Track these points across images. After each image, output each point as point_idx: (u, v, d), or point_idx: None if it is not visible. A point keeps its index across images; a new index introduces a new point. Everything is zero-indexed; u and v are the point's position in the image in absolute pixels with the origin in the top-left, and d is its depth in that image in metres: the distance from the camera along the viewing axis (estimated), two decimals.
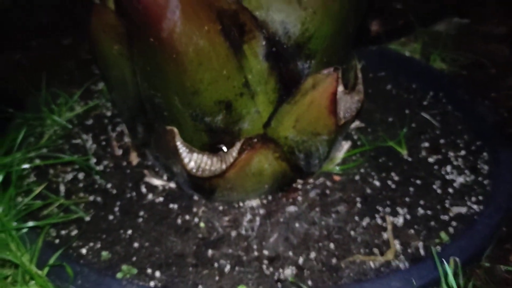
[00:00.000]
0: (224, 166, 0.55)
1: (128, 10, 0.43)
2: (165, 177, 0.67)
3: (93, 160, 0.70)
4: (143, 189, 0.65)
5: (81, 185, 0.66)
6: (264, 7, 0.47)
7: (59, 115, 0.77)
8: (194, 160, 0.56)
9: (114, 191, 0.65)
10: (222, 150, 0.55)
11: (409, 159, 0.69)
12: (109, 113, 0.80)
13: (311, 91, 0.52)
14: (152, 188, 0.65)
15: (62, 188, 0.65)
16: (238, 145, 0.53)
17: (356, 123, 0.77)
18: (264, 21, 0.47)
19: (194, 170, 0.56)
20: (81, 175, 0.67)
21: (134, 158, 0.71)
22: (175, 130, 0.54)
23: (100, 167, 0.69)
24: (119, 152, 0.72)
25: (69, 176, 0.67)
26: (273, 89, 0.52)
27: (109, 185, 0.66)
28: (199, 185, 0.59)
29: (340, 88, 0.55)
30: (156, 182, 0.65)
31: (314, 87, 0.52)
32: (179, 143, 0.54)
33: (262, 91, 0.52)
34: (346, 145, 0.71)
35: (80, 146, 0.72)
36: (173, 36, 0.43)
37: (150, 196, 0.64)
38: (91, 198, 0.63)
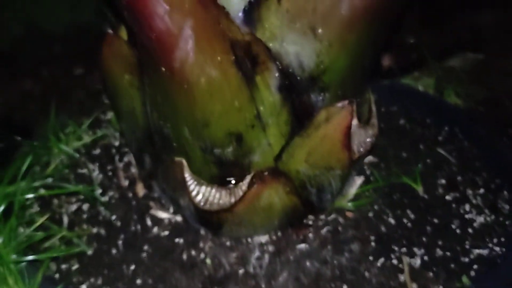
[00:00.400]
0: (233, 200, 0.53)
1: (140, 39, 0.43)
2: (171, 210, 0.65)
3: (99, 191, 0.68)
4: (149, 222, 0.63)
5: (85, 216, 0.64)
6: (279, 38, 0.46)
7: (66, 144, 0.76)
8: (202, 193, 0.54)
9: (119, 223, 0.63)
10: (231, 183, 0.54)
11: (425, 196, 0.67)
12: (117, 143, 0.79)
13: (324, 124, 0.51)
14: (157, 221, 0.63)
15: (65, 219, 0.63)
16: (248, 178, 0.52)
17: (369, 158, 0.75)
18: (278, 52, 0.47)
19: (201, 203, 0.54)
20: (85, 206, 0.66)
21: (141, 190, 0.69)
22: (184, 161, 0.53)
23: (105, 198, 0.67)
24: (125, 183, 0.70)
25: (74, 207, 0.66)
26: (285, 121, 0.51)
27: (113, 217, 0.64)
28: (207, 219, 0.57)
29: (354, 122, 0.53)
30: (162, 215, 0.63)
31: (327, 120, 0.51)
32: (187, 175, 0.53)
33: (274, 123, 0.51)
34: (359, 181, 0.70)
35: (86, 176, 0.71)
36: (185, 66, 0.43)
37: (155, 230, 0.62)
38: (95, 230, 0.62)
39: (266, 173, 0.52)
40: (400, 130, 0.83)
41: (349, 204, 0.66)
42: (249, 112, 0.49)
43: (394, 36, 1.06)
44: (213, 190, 0.54)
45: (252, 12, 0.46)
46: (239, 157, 0.52)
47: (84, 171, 0.72)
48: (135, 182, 0.70)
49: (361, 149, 0.57)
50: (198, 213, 0.57)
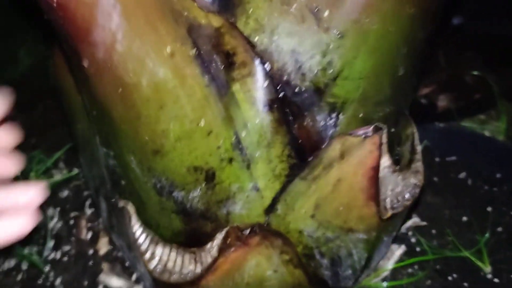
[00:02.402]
0: (199, 270, 0.38)
1: (47, 12, 0.30)
2: (134, 277, 0.50)
3: (50, 244, 0.55)
4: None
5: (19, 277, 0.50)
6: (267, 29, 0.33)
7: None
8: (158, 256, 0.39)
9: None
10: (200, 243, 0.39)
11: (495, 280, 0.49)
12: None
13: (338, 162, 0.36)
14: None
15: None
16: (219, 238, 0.36)
17: (415, 220, 0.58)
18: (266, 50, 0.33)
19: (158, 271, 0.39)
20: (24, 264, 0.52)
21: (103, 246, 0.55)
22: (131, 207, 0.38)
23: (55, 255, 0.54)
24: (87, 235, 0.57)
25: (10, 264, 0.52)
26: (280, 155, 0.36)
27: (57, 281, 0.50)
28: None
29: (386, 161, 0.38)
30: (117, 283, 0.48)
31: (343, 157, 0.36)
32: (136, 228, 0.39)
33: (262, 157, 0.36)
34: (398, 251, 0.52)
35: (39, 225, 0.58)
36: (113, 58, 0.29)
37: None
38: None
39: (248, 232, 0.37)
40: (460, 187, 0.65)
41: (384, 284, 0.49)
42: (224, 138, 0.35)
43: (451, 71, 0.90)
44: (173, 253, 0.39)
45: None
46: (211, 205, 0.38)
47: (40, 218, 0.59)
48: (98, 235, 0.56)
49: (397, 205, 0.40)
50: (157, 284, 0.41)
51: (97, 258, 0.54)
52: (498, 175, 0.66)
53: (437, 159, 0.72)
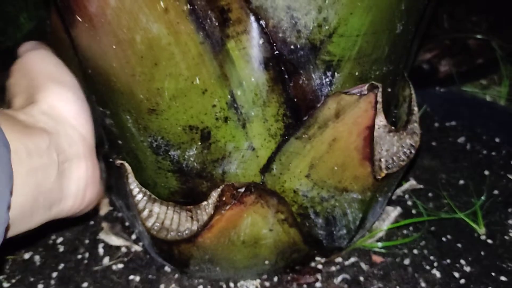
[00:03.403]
0: (195, 227, 0.38)
1: None
2: (134, 236, 0.51)
3: None
4: (100, 250, 0.49)
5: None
6: None
7: None
8: (155, 214, 0.40)
9: (62, 249, 0.50)
10: (196, 201, 0.39)
11: (489, 241, 0.50)
12: None
13: (333, 121, 0.36)
14: (112, 249, 0.50)
15: None
16: (214, 196, 0.37)
17: (411, 183, 0.58)
18: (261, 6, 0.33)
19: (155, 229, 0.40)
20: None
21: (104, 206, 0.56)
22: (127, 167, 0.39)
23: None
24: None
25: None
26: (275, 114, 0.36)
27: (59, 240, 0.51)
28: (166, 251, 0.43)
29: (381, 120, 0.38)
30: (117, 241, 0.49)
31: (338, 116, 0.36)
32: (133, 187, 0.39)
33: (258, 116, 0.36)
34: (393, 213, 0.53)
35: None
36: (107, 13, 0.29)
37: (106, 261, 0.48)
38: (27, 255, 0.49)
39: (244, 190, 0.37)
40: (458, 150, 0.65)
41: (379, 244, 0.50)
42: (219, 96, 0.35)
43: (453, 33, 0.89)
44: (170, 211, 0.39)
45: None
46: (207, 164, 0.38)
47: None
48: None
49: (392, 166, 0.40)
50: (155, 242, 0.42)
51: (97, 218, 0.55)
52: (497, 139, 0.66)
53: (436, 124, 0.72)
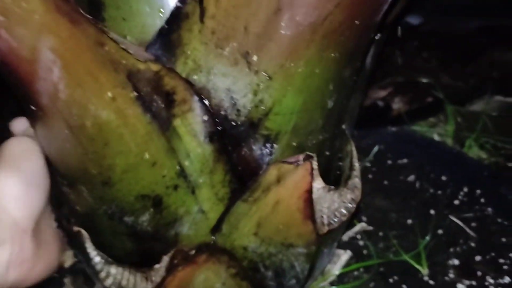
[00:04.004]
0: (149, 287, 0.41)
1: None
2: None
3: None
4: None
5: None
6: (204, 69, 0.35)
7: None
8: (113, 275, 0.42)
9: None
10: (152, 262, 0.42)
11: (431, 282, 0.53)
12: None
13: (275, 186, 0.39)
14: None
15: None
16: (165, 260, 0.39)
17: (362, 225, 0.61)
18: (203, 87, 0.36)
19: None
20: None
21: (69, 258, 0.57)
22: (84, 233, 0.41)
23: None
24: None
25: None
26: (222, 181, 0.39)
27: None
28: None
29: (319, 184, 0.41)
30: None
31: (279, 181, 0.39)
32: (90, 251, 0.41)
33: (206, 183, 0.39)
34: (344, 256, 0.56)
35: None
36: (58, 104, 0.32)
37: None
38: None
39: (194, 252, 0.40)
40: (408, 189, 0.69)
41: None
42: (168, 168, 0.37)
43: (405, 75, 0.94)
44: (126, 272, 0.42)
45: (170, 35, 0.35)
46: (160, 228, 0.40)
47: None
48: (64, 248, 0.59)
49: (334, 221, 0.44)
50: None
51: (62, 270, 0.56)
52: (443, 178, 0.70)
53: (389, 162, 0.76)
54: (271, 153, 0.38)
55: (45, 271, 0.41)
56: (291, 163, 0.38)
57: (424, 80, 0.83)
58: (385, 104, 0.91)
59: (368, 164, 0.74)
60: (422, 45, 1.03)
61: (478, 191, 0.66)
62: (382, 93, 0.93)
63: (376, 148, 0.77)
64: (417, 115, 0.85)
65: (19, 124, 0.41)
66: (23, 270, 0.37)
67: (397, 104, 0.90)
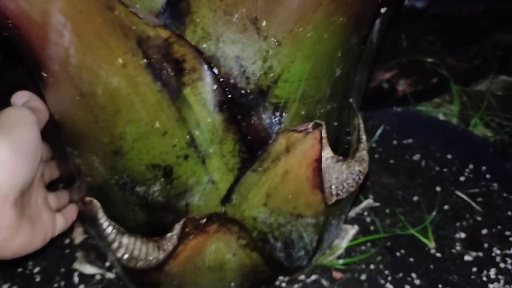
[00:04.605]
0: (161, 256, 0.41)
1: (3, 29, 0.32)
2: (108, 263, 0.53)
3: None
4: (75, 278, 0.51)
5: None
6: (213, 36, 0.35)
7: None
8: (125, 246, 0.42)
9: (38, 278, 0.52)
10: (163, 232, 0.42)
11: (438, 254, 0.53)
12: None
13: (284, 155, 0.39)
14: (86, 278, 0.51)
15: None
16: (177, 228, 0.39)
17: (369, 201, 0.61)
18: (213, 56, 0.35)
19: (125, 259, 0.42)
20: None
21: (79, 235, 0.58)
22: (96, 203, 0.41)
23: None
24: None
25: None
26: (232, 151, 0.39)
27: (36, 269, 0.53)
28: (137, 278, 0.45)
29: (327, 153, 0.41)
30: (91, 270, 0.51)
31: (288, 150, 0.39)
32: (103, 221, 0.41)
33: (216, 153, 0.39)
34: (352, 231, 0.56)
35: None
36: (68, 70, 0.32)
37: None
38: (5, 287, 0.50)
39: (205, 221, 0.40)
40: (414, 168, 0.69)
41: (339, 261, 0.52)
42: (179, 137, 0.37)
43: (410, 56, 0.93)
44: (138, 242, 0.42)
45: (179, 3, 0.35)
46: (170, 198, 0.40)
47: None
48: (74, 225, 0.59)
49: (342, 191, 0.44)
50: (126, 270, 0.45)
51: (72, 246, 0.56)
52: (449, 156, 0.70)
53: (394, 142, 0.76)
54: (280, 122, 0.38)
55: (26, 245, 0.39)
56: (300, 131, 0.38)
57: (429, 60, 0.82)
58: (390, 86, 0.91)
59: (374, 144, 0.74)
60: (427, 28, 1.02)
61: (484, 168, 0.66)
62: (387, 75, 0.93)
63: (381, 129, 0.77)
64: (422, 96, 0.85)
65: (20, 97, 0.40)
66: (0, 237, 0.35)
67: (402, 86, 0.89)
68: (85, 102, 0.34)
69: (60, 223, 0.44)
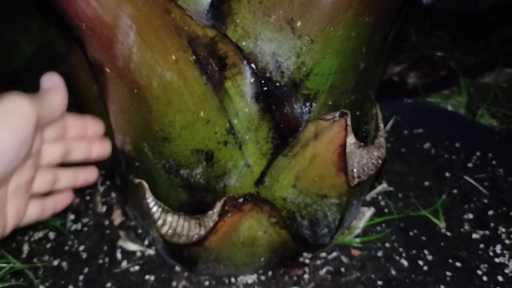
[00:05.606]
0: (203, 232, 0.45)
1: (78, 34, 0.36)
2: (146, 242, 0.58)
3: (71, 217, 0.62)
4: (118, 255, 0.56)
5: (49, 245, 0.58)
6: (252, 36, 0.39)
7: None
8: (169, 223, 0.47)
9: (85, 255, 0.56)
10: (202, 211, 0.46)
11: (448, 233, 0.57)
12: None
13: (313, 141, 0.43)
14: (128, 254, 0.56)
15: (25, 248, 0.57)
16: (218, 206, 0.44)
17: (384, 186, 0.65)
18: (251, 52, 0.40)
19: (169, 235, 0.47)
20: (52, 234, 0.59)
21: (117, 217, 0.62)
22: (144, 184, 0.45)
23: (77, 226, 0.61)
24: (102, 209, 0.64)
25: (39, 235, 0.59)
26: (266, 137, 0.43)
27: (81, 248, 0.57)
28: (177, 253, 0.50)
29: (351, 139, 0.45)
30: (133, 247, 0.56)
31: (316, 137, 0.43)
32: (150, 201, 0.46)
33: (251, 139, 0.43)
34: (368, 212, 0.60)
35: None
36: (130, 66, 0.36)
37: (124, 264, 0.55)
38: (55, 262, 0.55)
39: (241, 200, 0.44)
40: (424, 155, 0.73)
41: (357, 240, 0.57)
42: (220, 125, 0.42)
43: (419, 51, 0.97)
44: (181, 220, 0.46)
45: (221, 6, 0.39)
46: (211, 180, 0.45)
47: None
48: (112, 208, 0.64)
49: (363, 174, 0.48)
50: (168, 246, 0.49)
51: (112, 227, 0.61)
52: (457, 144, 0.74)
53: (405, 132, 0.79)
54: (310, 111, 0.42)
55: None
56: (328, 119, 0.42)
57: (438, 53, 0.85)
58: (400, 79, 0.94)
59: (386, 134, 0.77)
60: (436, 23, 1.05)
61: (490, 155, 0.70)
62: (397, 69, 0.96)
63: (393, 119, 0.80)
64: (431, 88, 0.88)
65: (50, 80, 0.39)
66: None
67: (412, 79, 0.93)
68: (142, 93, 0.38)
69: (34, 211, 0.41)
